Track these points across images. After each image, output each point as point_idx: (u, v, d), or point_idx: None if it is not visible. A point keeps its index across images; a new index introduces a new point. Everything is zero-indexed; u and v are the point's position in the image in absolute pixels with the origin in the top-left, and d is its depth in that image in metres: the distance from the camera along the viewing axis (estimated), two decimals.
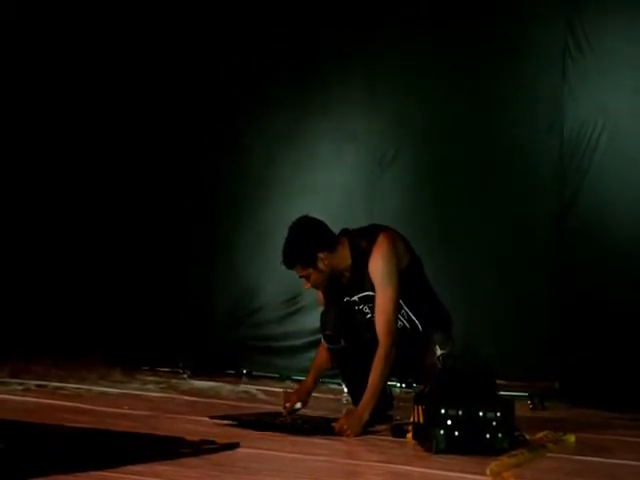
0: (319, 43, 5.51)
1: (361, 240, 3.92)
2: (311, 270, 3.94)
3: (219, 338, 5.86)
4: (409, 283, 3.93)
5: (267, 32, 5.66)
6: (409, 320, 3.99)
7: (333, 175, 5.59)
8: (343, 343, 3.97)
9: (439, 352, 3.98)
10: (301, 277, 3.96)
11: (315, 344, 5.52)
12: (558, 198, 5.04)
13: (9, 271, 6.11)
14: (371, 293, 3.91)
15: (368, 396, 3.77)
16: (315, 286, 4.00)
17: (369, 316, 3.96)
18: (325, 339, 4.02)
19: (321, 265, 3.93)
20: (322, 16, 5.54)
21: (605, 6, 4.97)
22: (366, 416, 3.76)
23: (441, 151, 5.32)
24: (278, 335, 5.76)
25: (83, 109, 6.21)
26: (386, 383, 3.92)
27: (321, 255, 3.93)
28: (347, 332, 3.97)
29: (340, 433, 3.70)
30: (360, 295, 3.97)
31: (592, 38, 4.97)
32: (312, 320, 5.53)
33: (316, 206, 4.99)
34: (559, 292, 4.98)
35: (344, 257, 3.96)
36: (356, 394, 3.94)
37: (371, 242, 3.89)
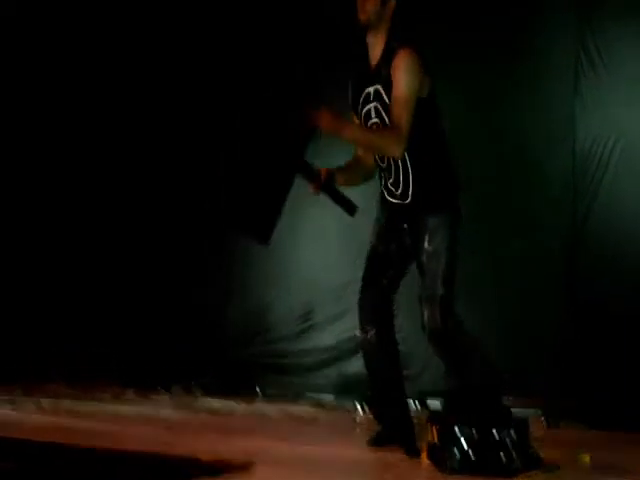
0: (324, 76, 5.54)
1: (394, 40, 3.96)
2: None
3: (233, 356, 5.89)
4: (422, 117, 3.92)
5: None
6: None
7: None
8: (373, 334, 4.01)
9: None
10: None
11: (329, 362, 5.56)
12: (571, 213, 5.07)
13: (22, 288, 6.14)
14: (384, 95, 3.92)
15: (353, 129, 3.92)
16: (365, 13, 3.95)
17: (374, 120, 3.99)
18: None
19: (388, 2, 3.96)
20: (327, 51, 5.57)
21: (617, 21, 5.02)
22: (341, 127, 3.86)
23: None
24: (292, 352, 5.78)
25: (87, 112, 6.19)
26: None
27: (392, 1, 3.98)
28: (379, 325, 4.01)
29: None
30: (376, 87, 3.96)
31: (604, 53, 5.02)
32: (326, 337, 5.57)
33: (328, 217, 5.06)
34: (575, 308, 5.00)
35: (385, 33, 3.97)
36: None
37: (401, 47, 3.92)
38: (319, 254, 5.63)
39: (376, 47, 4.00)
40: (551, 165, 5.12)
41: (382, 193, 4.09)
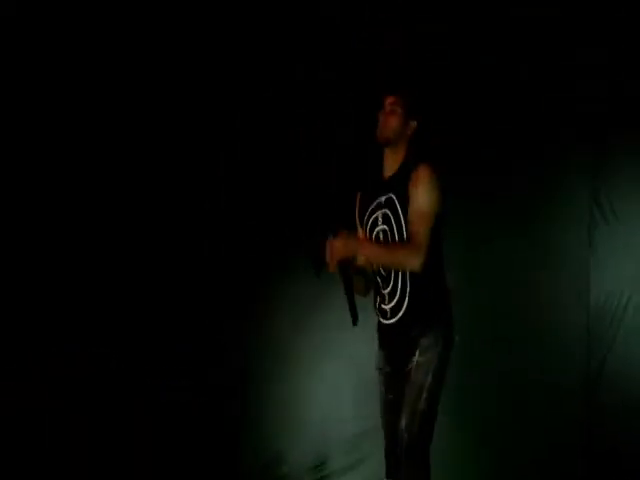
0: None
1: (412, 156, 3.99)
2: (400, 111, 3.98)
3: None
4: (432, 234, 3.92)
5: None
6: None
7: None
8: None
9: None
10: (386, 111, 3.98)
11: None
12: (585, 368, 5.06)
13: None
14: (397, 204, 3.93)
15: (371, 245, 3.96)
16: (386, 132, 3.98)
17: (380, 227, 4.01)
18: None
19: (409, 123, 4.00)
20: None
21: (631, 176, 5.02)
22: (358, 248, 3.91)
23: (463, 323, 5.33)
24: None
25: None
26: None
27: (414, 122, 4.00)
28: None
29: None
30: (389, 196, 3.97)
31: (617, 209, 5.03)
32: None
33: (343, 366, 5.13)
34: (590, 463, 4.99)
35: (404, 149, 4.01)
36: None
37: (421, 162, 3.94)
38: (334, 404, 5.62)
39: (392, 160, 4.03)
40: (565, 320, 5.12)
41: (378, 325, 4.08)
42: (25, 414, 5.72)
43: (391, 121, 3.98)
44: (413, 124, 4.01)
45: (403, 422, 3.83)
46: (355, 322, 3.96)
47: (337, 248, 3.86)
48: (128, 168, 6.07)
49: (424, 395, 3.82)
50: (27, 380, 5.76)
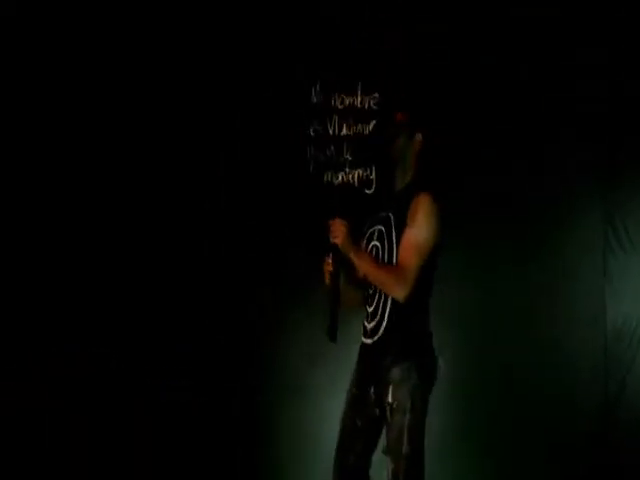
0: None
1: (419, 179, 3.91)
2: (406, 129, 3.88)
3: None
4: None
5: None
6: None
7: None
8: None
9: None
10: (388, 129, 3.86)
11: None
12: (603, 390, 5.05)
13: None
14: (392, 223, 3.86)
15: (365, 256, 3.85)
16: (392, 152, 3.87)
17: (374, 242, 3.94)
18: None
19: (415, 137, 3.89)
20: None
21: None
22: (353, 249, 3.81)
23: (478, 348, 5.28)
24: None
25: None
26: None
27: (419, 135, 3.90)
28: None
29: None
30: (388, 214, 3.89)
31: (632, 233, 5.03)
32: None
33: None
34: None
35: (413, 165, 3.91)
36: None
37: (423, 190, 3.83)
38: None
39: (402, 174, 3.93)
40: (582, 346, 5.09)
41: (360, 344, 3.98)
42: (25, 414, 5.72)
43: (396, 141, 3.89)
44: (419, 137, 3.91)
45: (390, 468, 3.72)
46: (333, 337, 3.84)
47: (343, 230, 3.78)
48: (128, 168, 6.07)
49: (405, 437, 3.69)
50: (27, 380, 5.76)
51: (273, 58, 5.85)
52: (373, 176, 3.81)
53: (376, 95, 3.84)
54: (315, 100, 4.04)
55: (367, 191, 3.83)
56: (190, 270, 6.03)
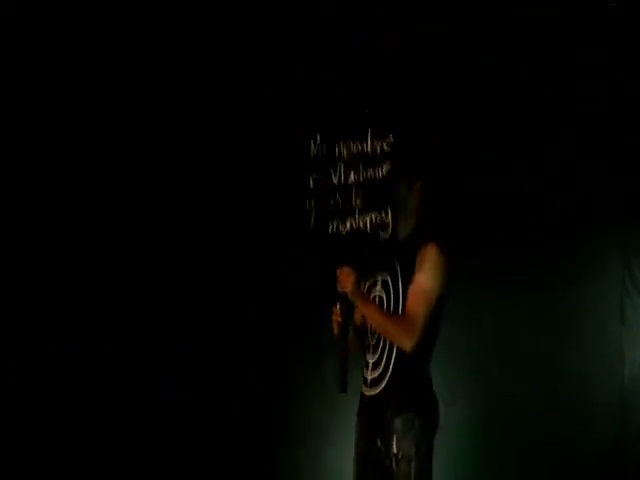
0: None
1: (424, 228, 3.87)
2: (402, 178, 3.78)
3: None
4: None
5: None
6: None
7: None
8: None
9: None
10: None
11: None
12: (619, 439, 4.96)
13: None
14: (398, 272, 3.81)
15: (372, 305, 3.81)
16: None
17: (377, 293, 3.90)
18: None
19: (414, 185, 3.82)
20: None
21: None
22: (361, 298, 3.79)
23: (490, 394, 5.23)
24: None
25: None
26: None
27: (418, 182, 3.83)
28: None
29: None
30: (392, 263, 3.84)
31: None
32: None
33: None
34: None
35: (415, 212, 3.84)
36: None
37: (431, 239, 3.79)
38: None
39: (404, 222, 3.84)
40: (598, 392, 5.04)
41: (360, 395, 3.94)
42: (25, 414, 5.72)
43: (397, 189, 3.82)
44: (418, 185, 3.84)
45: None
46: (343, 389, 3.84)
47: (352, 280, 3.76)
48: (128, 168, 6.08)
49: None
50: (27, 380, 5.77)
51: (273, 58, 5.86)
52: (389, 219, 3.72)
53: (390, 139, 3.76)
54: (315, 152, 4.02)
55: (382, 234, 3.75)
56: (190, 270, 6.03)
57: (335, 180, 3.94)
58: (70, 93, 6.05)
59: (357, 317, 3.98)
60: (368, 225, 3.80)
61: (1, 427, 5.67)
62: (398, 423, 3.73)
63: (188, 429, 5.91)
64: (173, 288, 6.03)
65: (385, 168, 3.76)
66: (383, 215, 3.74)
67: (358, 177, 3.86)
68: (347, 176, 3.90)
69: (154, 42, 6.03)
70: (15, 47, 6.03)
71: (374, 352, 3.85)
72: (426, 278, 3.73)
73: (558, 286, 5.11)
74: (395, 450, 3.72)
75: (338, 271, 3.82)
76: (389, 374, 3.78)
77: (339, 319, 3.85)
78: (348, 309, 3.86)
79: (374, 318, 3.79)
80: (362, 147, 3.86)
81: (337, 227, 3.91)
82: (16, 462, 5.69)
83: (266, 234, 5.89)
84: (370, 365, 3.87)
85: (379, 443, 3.80)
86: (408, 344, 3.71)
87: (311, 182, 3.99)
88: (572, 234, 5.10)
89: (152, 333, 5.98)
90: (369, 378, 3.86)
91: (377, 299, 3.88)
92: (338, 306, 3.85)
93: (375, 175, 3.81)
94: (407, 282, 3.78)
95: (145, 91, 6.07)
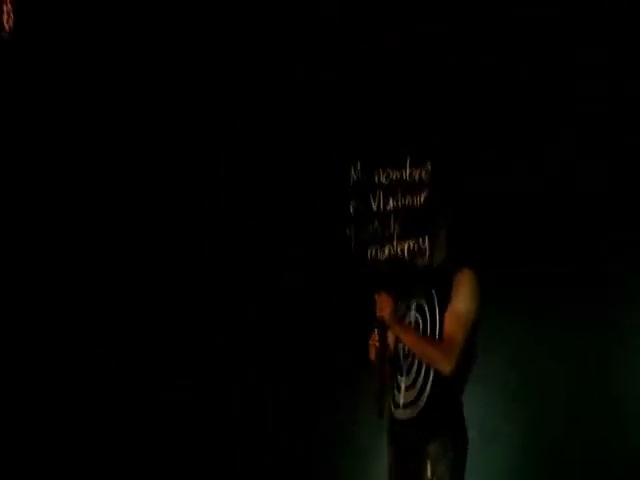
0: None
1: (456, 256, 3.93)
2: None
3: None
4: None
5: None
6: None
7: None
8: None
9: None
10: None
11: None
12: None
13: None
14: (435, 299, 3.86)
15: (409, 330, 3.86)
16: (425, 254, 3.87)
17: (413, 317, 3.94)
18: None
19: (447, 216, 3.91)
20: None
21: None
22: (399, 323, 3.84)
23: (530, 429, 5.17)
24: None
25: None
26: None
27: (443, 230, 3.90)
28: None
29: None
30: (427, 289, 3.89)
31: None
32: None
33: None
34: None
35: (444, 239, 3.91)
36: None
37: (465, 266, 3.86)
38: None
39: (435, 255, 3.90)
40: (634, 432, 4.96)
41: (390, 416, 3.96)
42: (25, 414, 5.73)
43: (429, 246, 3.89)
44: (450, 212, 3.94)
45: None
46: (381, 415, 3.88)
47: (389, 305, 3.82)
48: (128, 168, 6.08)
49: None
50: (27, 380, 5.77)
51: (273, 58, 5.85)
52: (426, 246, 3.82)
53: (428, 167, 3.87)
54: (355, 179, 4.09)
55: (420, 261, 3.85)
56: (190, 270, 6.03)
57: (374, 207, 4.02)
58: (70, 93, 6.06)
59: (390, 341, 4.01)
60: (406, 252, 3.88)
61: (1, 427, 5.67)
62: (433, 447, 3.76)
63: (188, 429, 5.92)
64: (173, 288, 6.04)
65: (423, 196, 3.86)
66: (420, 242, 3.83)
67: (397, 204, 3.95)
68: (386, 203, 3.98)
69: (154, 42, 6.04)
70: (15, 47, 6.03)
71: (408, 375, 3.89)
72: (463, 302, 3.80)
73: (600, 320, 5.00)
74: (429, 475, 3.75)
75: (376, 297, 3.86)
76: (426, 397, 3.82)
77: (377, 344, 3.90)
78: (386, 335, 3.92)
79: (413, 342, 3.84)
80: (401, 175, 3.95)
81: (375, 253, 3.98)
82: (16, 462, 5.69)
83: (266, 234, 5.90)
84: (403, 388, 3.90)
85: (412, 466, 3.83)
86: (448, 367, 3.76)
87: (351, 209, 4.07)
88: (613, 268, 4.97)
89: (152, 333, 5.98)
90: (401, 400, 3.89)
91: (413, 324, 3.92)
92: (376, 332, 3.90)
93: (413, 202, 3.90)
94: (443, 307, 3.83)
95: (145, 91, 6.08)
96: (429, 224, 3.85)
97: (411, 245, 3.86)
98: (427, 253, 3.81)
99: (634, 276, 4.88)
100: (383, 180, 3.99)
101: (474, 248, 4.14)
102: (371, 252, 3.98)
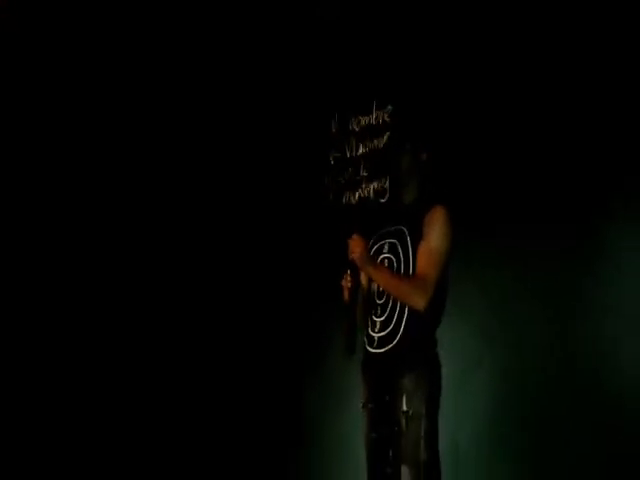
0: None
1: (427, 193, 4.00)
2: (408, 148, 3.96)
3: None
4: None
5: None
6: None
7: None
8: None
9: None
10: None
11: None
12: None
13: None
14: (407, 236, 3.92)
15: (382, 268, 3.91)
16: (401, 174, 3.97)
17: (385, 255, 3.99)
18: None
19: (419, 156, 3.98)
20: None
21: None
22: (371, 264, 3.89)
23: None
24: None
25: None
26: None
27: (423, 155, 3.99)
28: None
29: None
30: (400, 227, 3.96)
31: None
32: None
33: None
34: None
35: (417, 182, 4.00)
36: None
37: (437, 203, 3.92)
38: None
39: (406, 191, 4.01)
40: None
41: (363, 352, 4.00)
42: (25, 414, 5.74)
43: (401, 160, 3.99)
44: (423, 156, 4.01)
45: (408, 476, 3.74)
46: (352, 351, 3.93)
47: (361, 246, 3.87)
48: (128, 168, 6.10)
49: (422, 445, 3.76)
50: (27, 380, 5.78)
51: (273, 58, 5.86)
52: (387, 185, 3.90)
53: (389, 107, 3.95)
54: (334, 129, 4.18)
55: (381, 200, 3.91)
56: (190, 270, 6.05)
57: (348, 154, 4.10)
58: (70, 93, 6.07)
59: (363, 281, 4.06)
60: (372, 193, 3.95)
61: (1, 427, 5.69)
62: (408, 381, 3.80)
63: (188, 429, 5.93)
64: (173, 288, 6.05)
65: (385, 138, 3.94)
66: (382, 182, 3.90)
67: (365, 149, 4.04)
68: (357, 149, 4.07)
69: (154, 42, 6.05)
70: (15, 47, 6.05)
71: (382, 312, 3.93)
72: (435, 239, 3.86)
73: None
74: (405, 408, 3.78)
75: (349, 239, 3.92)
76: (400, 333, 3.86)
77: (349, 284, 3.95)
78: (357, 275, 3.98)
79: (386, 280, 3.90)
80: (369, 120, 4.03)
81: (349, 198, 4.06)
82: (16, 462, 5.70)
83: (266, 235, 5.91)
84: (378, 324, 3.94)
85: (387, 399, 3.86)
86: (421, 303, 3.81)
87: (331, 159, 4.15)
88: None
89: (152, 333, 6.00)
90: (376, 337, 3.93)
91: (386, 262, 3.98)
92: (349, 272, 3.96)
93: (377, 145, 3.98)
94: (415, 244, 3.90)
95: (145, 91, 6.09)
96: (389, 164, 3.92)
97: (376, 186, 3.92)
98: (387, 192, 3.87)
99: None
100: (355, 127, 4.07)
101: (446, 186, 4.16)
102: (346, 197, 4.05)
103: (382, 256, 3.99)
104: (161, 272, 6.09)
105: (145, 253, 6.11)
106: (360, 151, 4.03)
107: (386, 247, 4.00)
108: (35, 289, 5.94)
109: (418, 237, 3.89)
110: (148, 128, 6.13)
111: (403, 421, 3.78)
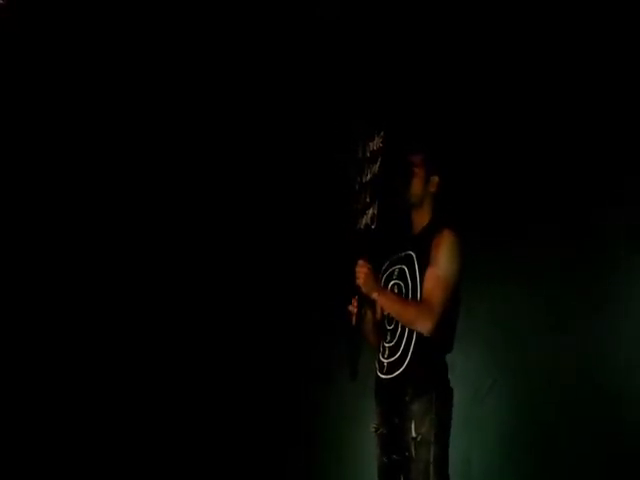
0: None
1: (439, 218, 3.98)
2: (421, 172, 3.95)
3: None
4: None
5: None
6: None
7: None
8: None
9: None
10: (406, 175, 3.96)
11: None
12: None
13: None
14: (415, 262, 3.91)
15: (388, 294, 3.90)
16: (409, 197, 3.97)
17: (395, 281, 3.99)
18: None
19: (431, 180, 3.97)
20: None
21: None
22: (376, 289, 3.86)
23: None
24: None
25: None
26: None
27: (435, 178, 3.97)
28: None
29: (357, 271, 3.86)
30: (409, 253, 3.95)
31: None
32: None
33: None
34: None
35: (430, 208, 3.99)
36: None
37: (446, 226, 3.90)
38: None
39: (419, 218, 4.01)
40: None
41: (375, 378, 3.99)
42: (25, 414, 5.75)
43: (413, 185, 3.97)
44: (435, 180, 3.99)
45: None
46: (354, 376, 3.88)
47: (365, 272, 3.84)
48: (128, 168, 6.10)
49: (431, 470, 3.74)
50: (27, 380, 5.79)
51: (274, 58, 5.86)
52: (375, 212, 3.89)
53: (382, 133, 3.96)
54: (360, 154, 4.15)
55: (372, 227, 3.89)
56: (190, 270, 6.06)
57: (361, 180, 4.11)
58: (70, 93, 6.08)
59: (378, 307, 4.04)
60: (369, 219, 3.93)
61: (1, 427, 5.69)
62: (417, 406, 3.79)
63: (188, 429, 5.94)
64: (174, 288, 6.06)
65: (378, 163, 3.95)
66: (374, 208, 3.90)
67: (371, 174, 4.04)
68: (367, 174, 4.08)
69: (154, 42, 6.04)
70: (15, 47, 6.06)
71: (391, 338, 3.93)
72: (442, 262, 3.83)
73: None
74: (414, 434, 3.77)
75: (356, 267, 3.90)
76: (408, 359, 3.85)
77: (355, 310, 3.92)
78: (363, 300, 3.95)
79: (391, 305, 3.89)
80: (374, 145, 4.03)
81: (361, 224, 4.04)
82: (16, 462, 5.71)
83: (266, 234, 5.92)
84: (387, 350, 3.94)
85: (397, 424, 3.85)
86: (427, 327, 3.79)
87: (356, 187, 4.14)
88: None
89: (152, 333, 6.01)
90: (386, 362, 3.93)
91: (395, 287, 3.96)
92: (355, 298, 3.94)
93: (374, 171, 3.98)
94: (423, 269, 3.88)
95: (145, 91, 6.08)
96: (376, 191, 3.92)
97: (372, 213, 3.91)
98: (375, 220, 3.85)
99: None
100: (367, 153, 4.08)
101: (457, 212, 4.15)
102: (360, 223, 4.04)
103: (392, 282, 3.98)
104: (168, 284, 6.09)
105: (150, 256, 6.11)
106: (368, 176, 4.03)
107: (395, 273, 3.99)
108: (35, 289, 5.94)
109: (426, 262, 3.87)
110: (150, 135, 6.13)
111: (412, 447, 3.78)
